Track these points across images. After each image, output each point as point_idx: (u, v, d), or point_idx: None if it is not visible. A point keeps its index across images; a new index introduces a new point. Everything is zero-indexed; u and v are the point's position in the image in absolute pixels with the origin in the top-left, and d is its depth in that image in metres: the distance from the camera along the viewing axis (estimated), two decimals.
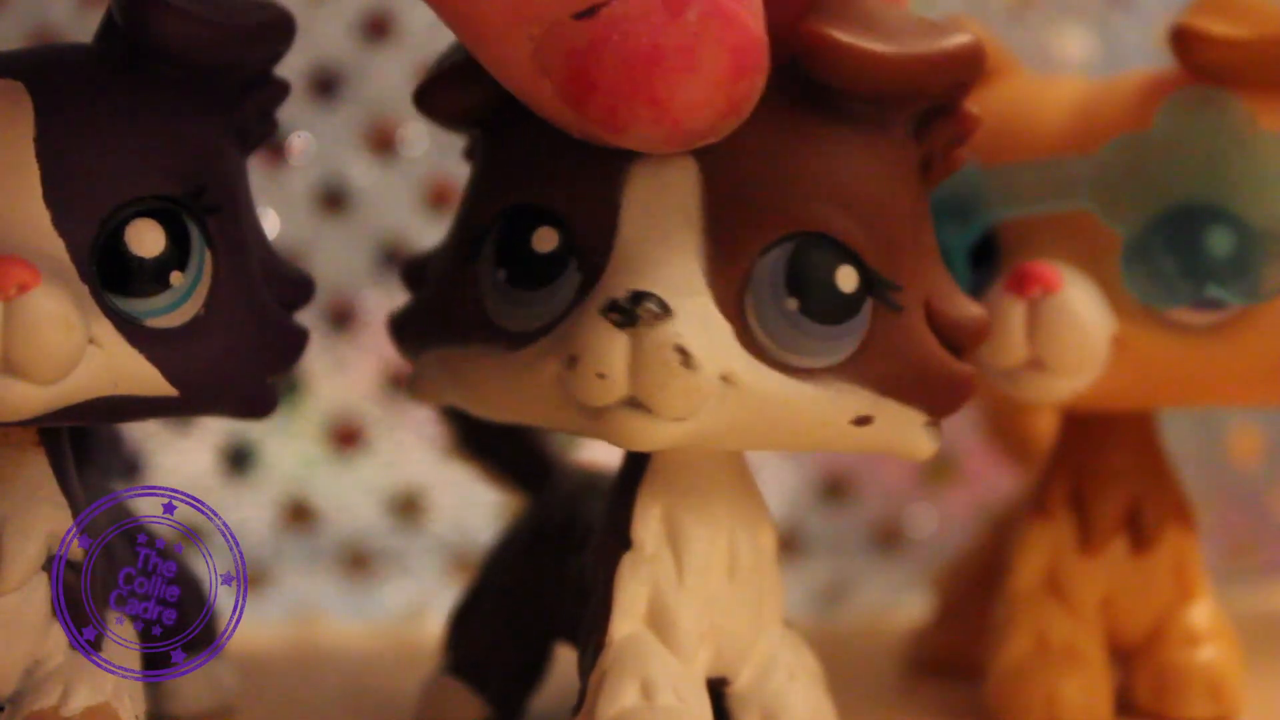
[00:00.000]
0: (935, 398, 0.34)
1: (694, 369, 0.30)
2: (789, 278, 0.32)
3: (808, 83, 0.32)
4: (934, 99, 0.33)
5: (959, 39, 0.33)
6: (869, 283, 0.32)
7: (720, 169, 0.32)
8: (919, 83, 0.33)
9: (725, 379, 0.31)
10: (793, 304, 0.32)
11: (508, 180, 0.34)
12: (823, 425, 0.32)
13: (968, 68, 0.33)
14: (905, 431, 0.34)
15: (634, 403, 0.31)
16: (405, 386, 0.37)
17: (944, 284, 0.34)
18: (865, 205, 0.33)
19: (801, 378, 0.32)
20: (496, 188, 0.34)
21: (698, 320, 0.31)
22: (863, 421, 0.33)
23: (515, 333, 0.33)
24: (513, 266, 0.33)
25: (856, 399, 0.33)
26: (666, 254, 0.32)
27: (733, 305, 0.32)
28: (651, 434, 0.31)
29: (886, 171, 0.33)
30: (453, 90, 0.35)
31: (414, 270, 0.37)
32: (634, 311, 0.30)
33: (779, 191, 0.32)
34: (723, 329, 0.31)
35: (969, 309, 0.35)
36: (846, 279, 0.32)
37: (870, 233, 0.32)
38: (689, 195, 0.32)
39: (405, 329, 0.37)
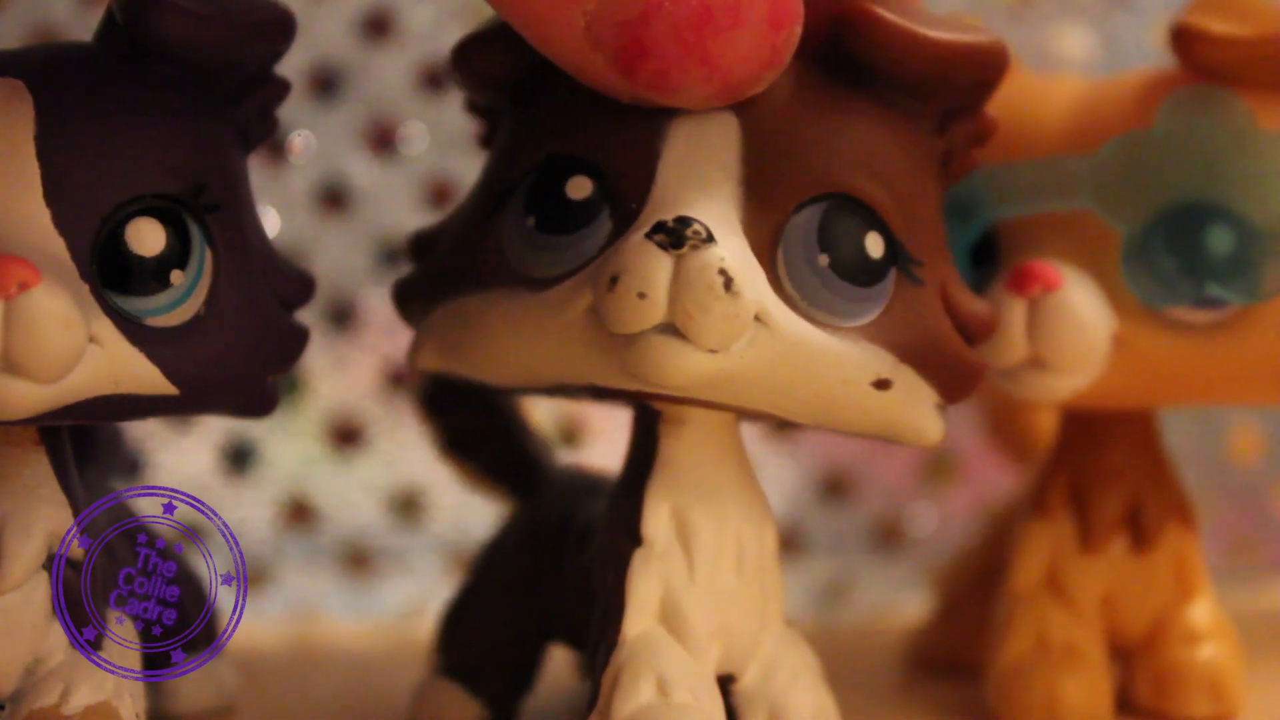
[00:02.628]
0: (948, 377, 0.34)
1: (735, 294, 0.30)
2: (821, 234, 0.33)
3: (847, 59, 0.33)
4: (960, 93, 0.34)
5: (988, 36, 0.34)
6: (894, 253, 0.33)
7: (760, 125, 0.33)
8: (951, 72, 0.34)
9: (759, 318, 0.31)
10: (824, 260, 0.32)
11: (540, 136, 0.34)
12: (845, 383, 0.33)
13: (995, 64, 0.34)
14: (918, 407, 0.34)
15: (670, 329, 0.31)
16: (407, 354, 0.36)
17: (957, 277, 0.35)
18: (895, 181, 0.34)
19: (828, 332, 0.32)
20: (527, 144, 0.35)
21: (739, 253, 0.31)
22: (882, 385, 0.33)
23: (540, 278, 0.33)
24: (543, 213, 0.33)
25: (878, 360, 0.33)
26: (703, 199, 0.32)
27: (765, 256, 0.32)
28: (683, 363, 0.31)
29: (914, 156, 0.34)
30: (490, 53, 0.35)
31: (424, 242, 0.37)
32: (681, 233, 0.30)
33: (818, 152, 0.33)
34: (757, 268, 0.32)
35: (979, 304, 0.36)
36: (874, 244, 0.33)
37: (898, 206, 0.33)
38: (728, 149, 0.33)
39: (411, 293, 0.37)
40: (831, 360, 0.32)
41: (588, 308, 0.32)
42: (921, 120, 0.34)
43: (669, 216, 0.31)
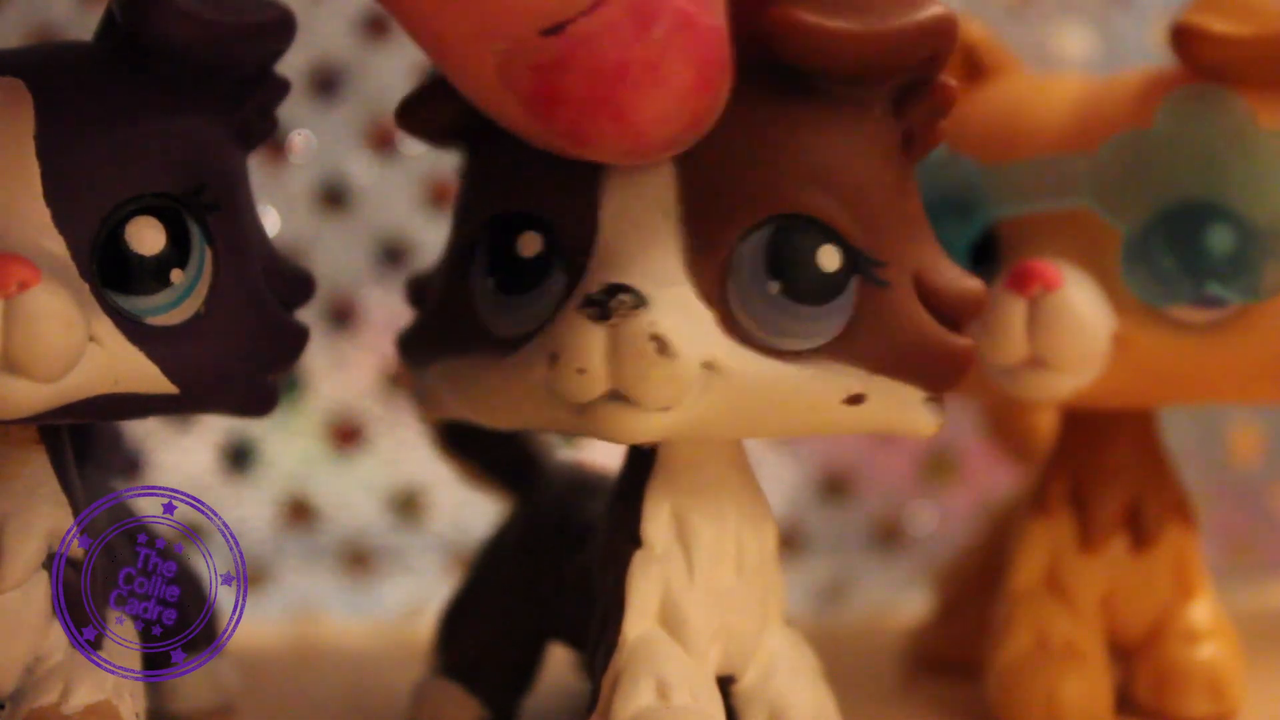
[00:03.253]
0: (931, 372, 0.33)
1: (671, 357, 0.30)
2: (769, 261, 0.32)
3: (779, 67, 0.32)
4: (909, 74, 0.33)
5: (928, 11, 0.32)
6: (853, 260, 0.32)
7: (694, 161, 0.32)
8: (891, 58, 0.32)
9: (708, 366, 0.31)
10: (775, 287, 0.32)
11: (492, 191, 0.34)
12: (813, 408, 0.32)
13: (939, 39, 0.32)
14: (903, 409, 0.33)
15: (617, 395, 0.31)
16: (414, 406, 0.37)
17: (935, 258, 0.34)
18: (844, 183, 0.32)
19: (789, 360, 0.32)
20: (482, 199, 0.35)
21: (676, 309, 0.31)
22: (855, 400, 0.33)
23: (507, 338, 0.33)
24: (500, 273, 0.34)
25: (847, 378, 0.32)
26: (644, 248, 0.32)
27: (715, 293, 0.32)
28: (637, 426, 0.31)
29: (865, 149, 0.33)
30: (432, 106, 0.35)
31: (417, 288, 0.38)
32: (607, 304, 0.30)
33: (754, 177, 0.32)
34: (703, 317, 0.31)
35: (962, 281, 0.34)
36: (828, 258, 0.32)
37: (850, 210, 0.32)
38: (665, 189, 0.32)
39: (410, 346, 0.37)
40: (794, 390, 0.32)
41: (543, 374, 0.32)
42: (871, 106, 0.33)
43: (612, 276, 0.31)
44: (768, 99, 0.32)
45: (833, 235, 0.32)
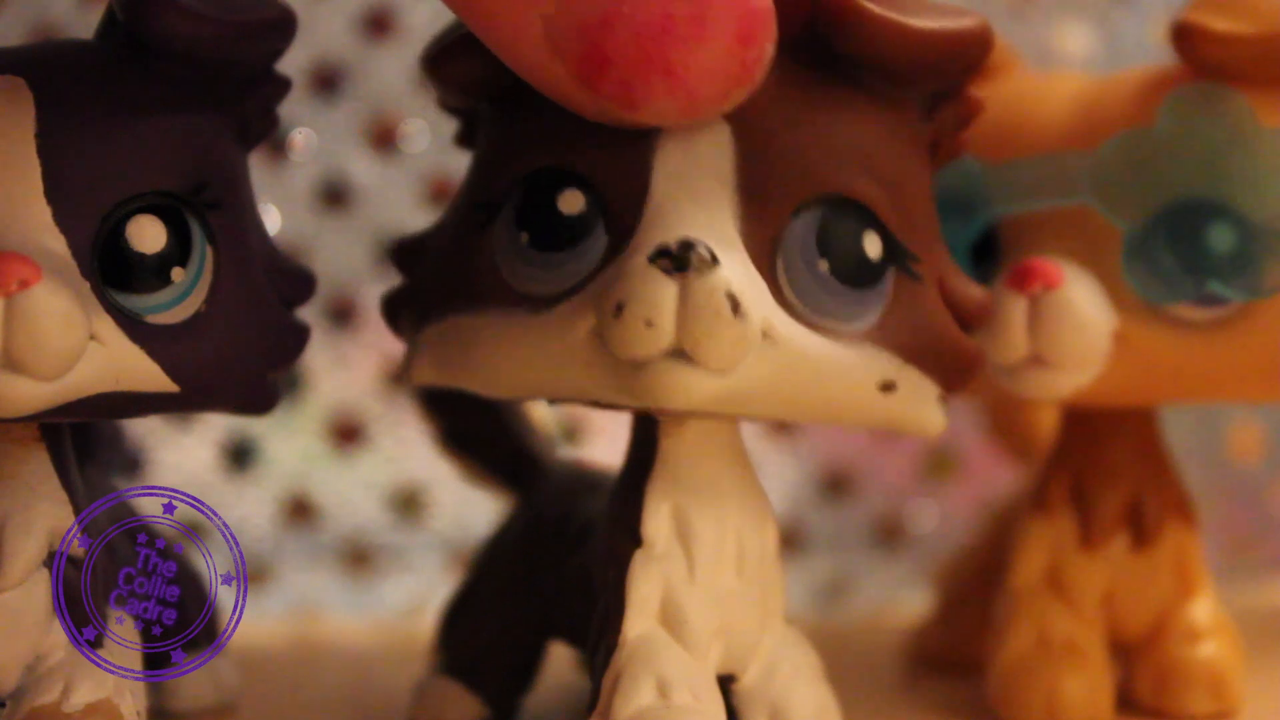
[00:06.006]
0: (950, 370, 0.34)
1: (743, 316, 0.30)
2: (820, 239, 0.32)
3: (829, 54, 0.33)
4: (944, 79, 0.34)
5: (972, 20, 0.33)
6: (892, 252, 0.33)
7: (753, 132, 0.32)
8: (936, 59, 0.33)
9: (765, 333, 0.31)
10: (824, 265, 0.32)
11: (526, 147, 0.34)
12: (851, 389, 0.33)
13: (979, 49, 0.34)
14: (923, 403, 0.34)
15: (677, 353, 0.30)
16: (400, 368, 0.36)
17: (951, 263, 0.35)
18: (888, 176, 0.33)
19: (832, 340, 0.32)
20: (513, 155, 0.34)
21: (742, 271, 0.31)
22: (888, 388, 0.33)
23: (538, 296, 0.33)
24: (536, 229, 0.33)
25: (883, 364, 0.33)
26: (700, 212, 0.32)
27: (765, 265, 0.32)
28: (692, 387, 0.31)
29: (904, 147, 0.34)
30: (463, 60, 0.35)
31: (408, 250, 0.37)
32: (685, 258, 0.30)
33: (811, 154, 0.32)
34: (760, 283, 0.32)
35: (974, 289, 0.35)
36: (872, 245, 0.33)
37: (893, 202, 0.33)
38: (722, 157, 0.32)
39: (403, 306, 0.36)
40: (837, 369, 0.32)
41: (590, 330, 0.31)
42: (908, 108, 0.34)
43: (668, 235, 0.31)
44: (818, 84, 0.33)
45: (878, 223, 0.33)
